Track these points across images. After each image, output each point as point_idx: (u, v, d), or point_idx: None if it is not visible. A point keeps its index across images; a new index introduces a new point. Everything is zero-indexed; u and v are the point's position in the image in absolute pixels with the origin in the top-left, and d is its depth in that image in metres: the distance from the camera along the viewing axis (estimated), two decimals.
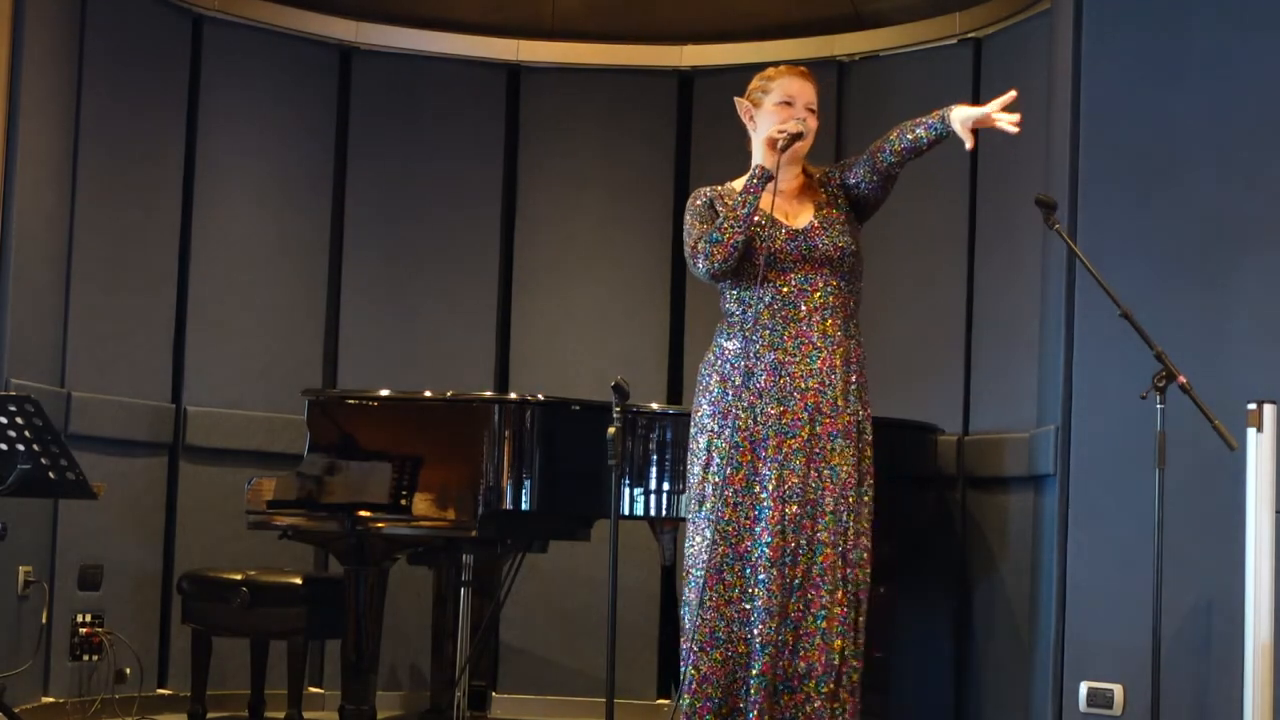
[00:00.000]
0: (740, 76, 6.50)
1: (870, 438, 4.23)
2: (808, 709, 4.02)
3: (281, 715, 5.54)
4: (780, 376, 4.11)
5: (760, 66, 6.40)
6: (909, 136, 4.22)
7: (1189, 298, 4.74)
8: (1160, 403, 4.17)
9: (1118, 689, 4.74)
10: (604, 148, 6.77)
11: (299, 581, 5.46)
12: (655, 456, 5.17)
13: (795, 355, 4.12)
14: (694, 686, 4.07)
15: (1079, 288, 4.89)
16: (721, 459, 4.09)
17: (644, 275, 6.72)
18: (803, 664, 4.03)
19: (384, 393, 5.29)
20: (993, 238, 5.95)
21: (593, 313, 6.70)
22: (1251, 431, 4.24)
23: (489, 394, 5.67)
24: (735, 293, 4.20)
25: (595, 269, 6.72)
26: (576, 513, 5.43)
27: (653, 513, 5.23)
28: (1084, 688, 4.79)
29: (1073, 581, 4.85)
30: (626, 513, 5.15)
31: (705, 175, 6.59)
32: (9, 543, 4.81)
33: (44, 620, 5.63)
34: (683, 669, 4.13)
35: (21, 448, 4.34)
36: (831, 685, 4.04)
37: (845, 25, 6.51)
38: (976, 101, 6.08)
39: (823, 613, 4.03)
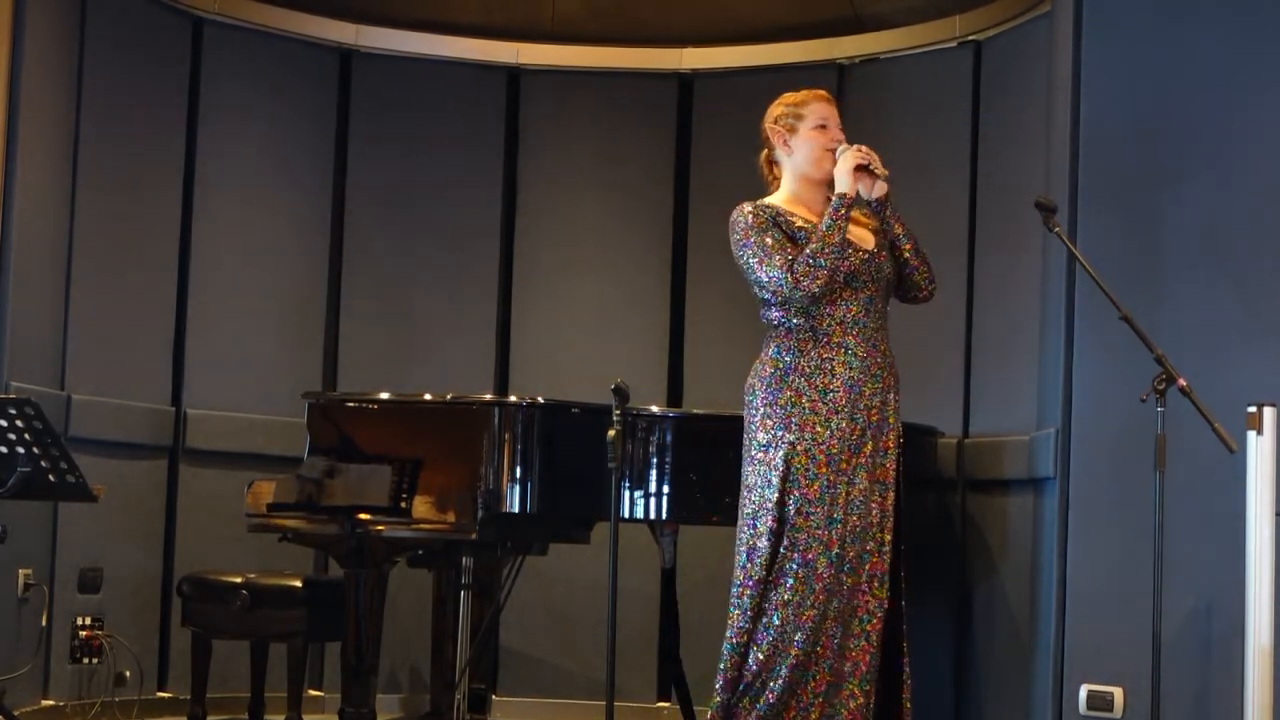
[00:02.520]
0: (740, 79, 6.58)
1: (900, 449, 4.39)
2: (851, 705, 4.18)
3: (281, 718, 5.53)
4: (854, 393, 4.25)
5: (760, 69, 6.50)
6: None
7: (1189, 300, 4.75)
8: (1160, 405, 4.17)
9: (1117, 691, 4.74)
10: (604, 150, 6.76)
11: (299, 584, 5.45)
12: (655, 459, 5.17)
13: (865, 374, 4.26)
14: (772, 688, 4.19)
15: (1079, 290, 4.89)
16: (799, 469, 4.21)
17: (644, 278, 6.71)
18: (849, 664, 4.19)
19: (384, 395, 5.28)
20: (993, 240, 5.95)
21: (593, 315, 6.70)
22: (1251, 434, 4.24)
23: (489, 396, 5.66)
24: (805, 309, 4.28)
25: (595, 271, 6.71)
26: (576, 515, 5.43)
27: (653, 515, 5.23)
28: (1084, 690, 4.79)
29: (1073, 584, 4.85)
30: (627, 515, 5.14)
31: (705, 178, 6.64)
32: (9, 545, 4.80)
33: (44, 623, 5.63)
34: (756, 671, 4.20)
35: (21, 450, 4.34)
36: (874, 684, 4.23)
37: (845, 28, 6.50)
38: (975, 104, 6.10)
39: (869, 617, 4.19)
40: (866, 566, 4.21)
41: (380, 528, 5.09)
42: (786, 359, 4.28)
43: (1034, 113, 5.59)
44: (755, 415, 4.30)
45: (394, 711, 6.31)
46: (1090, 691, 4.78)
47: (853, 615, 4.20)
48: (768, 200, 4.43)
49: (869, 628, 4.20)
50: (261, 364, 6.42)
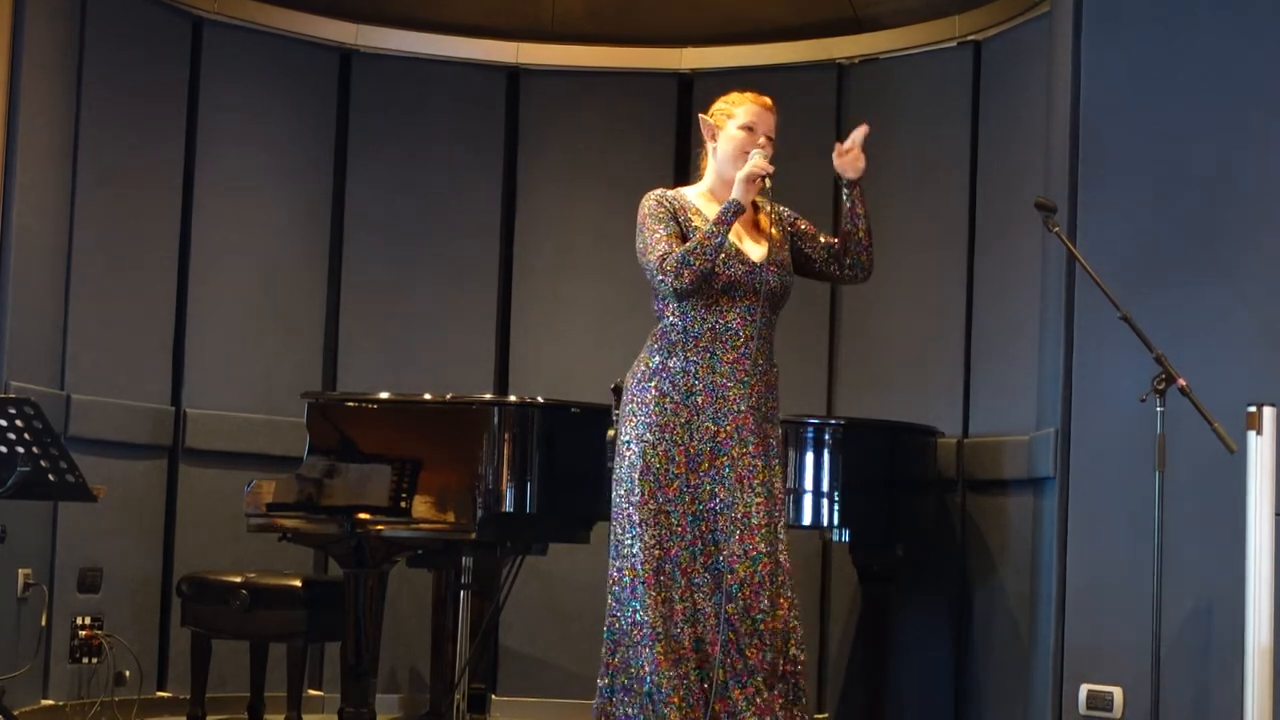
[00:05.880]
0: (740, 79, 6.52)
1: (779, 456, 4.37)
2: (758, 701, 4.17)
3: (281, 718, 5.53)
4: (718, 398, 4.25)
5: (760, 69, 6.50)
6: (849, 224, 4.39)
7: (1188, 300, 4.75)
8: (1160, 405, 4.17)
9: (1117, 691, 4.74)
10: (604, 150, 6.76)
11: (298, 584, 5.45)
12: None
13: (731, 379, 4.26)
14: (631, 674, 4.21)
15: (1078, 290, 4.89)
16: (659, 469, 4.23)
17: (643, 278, 6.67)
18: (752, 660, 4.17)
19: (383, 395, 5.29)
20: (992, 240, 5.96)
21: (592, 315, 6.70)
22: (1251, 434, 4.24)
23: (488, 396, 5.67)
24: (682, 311, 4.30)
25: (595, 271, 6.71)
26: (576, 515, 5.43)
27: None
28: (1084, 690, 4.79)
29: (1072, 584, 4.85)
30: None
31: None
32: (9, 545, 4.81)
33: (43, 623, 5.63)
34: (607, 658, 4.24)
35: (21, 450, 4.34)
36: (772, 680, 4.21)
37: (844, 28, 6.51)
38: (975, 104, 6.10)
39: (762, 616, 4.17)
40: (741, 569, 4.19)
41: (380, 528, 5.09)
42: (655, 360, 4.30)
43: (1034, 113, 5.59)
44: (624, 412, 4.34)
45: (394, 711, 6.31)
46: (1090, 691, 4.78)
47: (744, 615, 4.18)
48: (685, 189, 4.46)
49: (763, 626, 4.18)
50: (261, 364, 6.42)
